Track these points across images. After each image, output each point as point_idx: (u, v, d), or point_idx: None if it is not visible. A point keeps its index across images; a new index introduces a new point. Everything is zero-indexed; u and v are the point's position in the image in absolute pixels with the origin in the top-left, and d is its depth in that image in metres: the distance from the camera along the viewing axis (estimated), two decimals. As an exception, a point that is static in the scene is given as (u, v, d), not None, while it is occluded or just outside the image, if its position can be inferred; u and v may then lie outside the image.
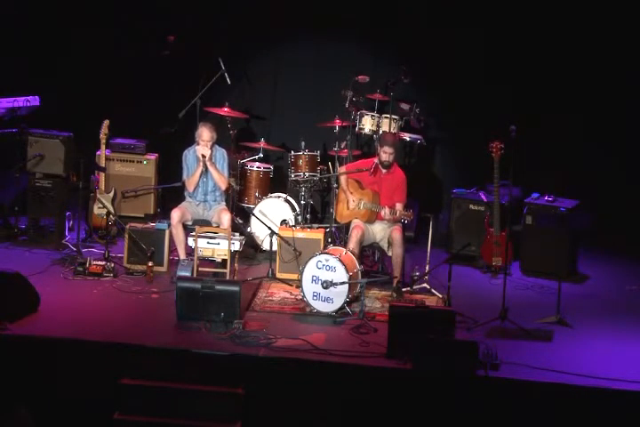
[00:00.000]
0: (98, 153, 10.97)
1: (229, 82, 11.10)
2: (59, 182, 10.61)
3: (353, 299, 9.30)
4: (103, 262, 9.89)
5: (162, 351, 8.32)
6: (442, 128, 11.68)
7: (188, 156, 10.12)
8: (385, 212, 9.67)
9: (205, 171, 10.02)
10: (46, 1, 11.80)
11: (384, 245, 9.90)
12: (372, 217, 9.85)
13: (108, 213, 10.40)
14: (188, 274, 9.67)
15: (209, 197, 10.13)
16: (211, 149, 10.00)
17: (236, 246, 9.74)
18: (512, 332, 8.95)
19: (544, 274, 10.21)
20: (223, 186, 10.11)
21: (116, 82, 11.62)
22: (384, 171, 9.91)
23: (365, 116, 11.00)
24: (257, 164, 11.12)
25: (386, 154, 9.84)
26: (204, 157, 9.95)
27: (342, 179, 10.07)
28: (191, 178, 10.05)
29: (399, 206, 9.73)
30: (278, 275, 10.05)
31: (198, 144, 10.01)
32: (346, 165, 10.32)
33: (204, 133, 9.96)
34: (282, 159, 11.64)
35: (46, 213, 10.66)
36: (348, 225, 10.04)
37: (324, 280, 9.18)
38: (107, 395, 8.06)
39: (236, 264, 9.86)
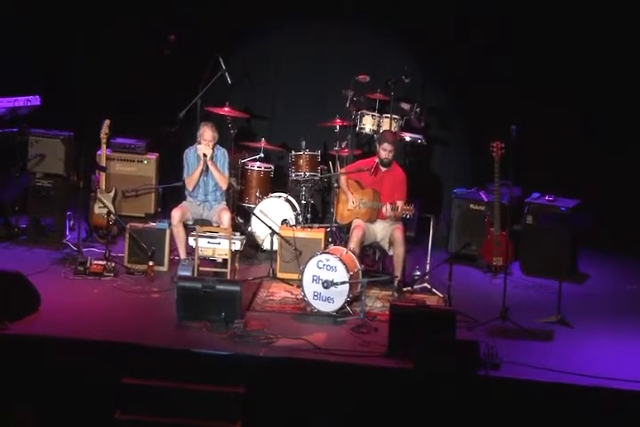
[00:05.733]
0: (98, 153, 10.97)
1: (230, 81, 11.10)
2: (59, 182, 10.61)
3: (353, 299, 9.30)
4: (104, 262, 9.89)
5: (162, 351, 8.32)
6: (442, 128, 11.69)
7: (189, 154, 10.14)
8: (386, 208, 9.66)
9: (206, 170, 10.04)
10: (47, 1, 11.80)
11: (385, 244, 9.90)
12: (373, 216, 9.85)
13: (109, 212, 10.40)
14: (188, 274, 9.68)
15: (210, 197, 10.15)
16: (212, 148, 10.02)
17: (237, 246, 9.75)
18: (513, 331, 8.95)
19: (544, 274, 10.21)
20: (224, 185, 10.13)
21: (116, 81, 11.61)
22: (383, 169, 9.91)
23: (366, 116, 11.00)
24: (257, 163, 11.12)
25: (385, 151, 9.84)
26: (205, 156, 9.97)
27: (342, 179, 10.08)
28: (191, 177, 10.07)
29: (400, 203, 9.72)
30: (279, 274, 10.05)
31: (200, 143, 10.03)
32: (345, 167, 10.34)
33: (207, 133, 9.99)
34: (282, 159, 11.64)
35: (47, 212, 10.66)
36: (348, 225, 10.04)
37: (325, 280, 9.18)
38: (108, 394, 8.05)
39: (236, 264, 9.86)
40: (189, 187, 10.12)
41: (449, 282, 9.37)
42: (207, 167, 10.02)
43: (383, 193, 9.81)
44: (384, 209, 9.67)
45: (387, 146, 9.84)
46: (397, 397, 8.04)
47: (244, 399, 8.02)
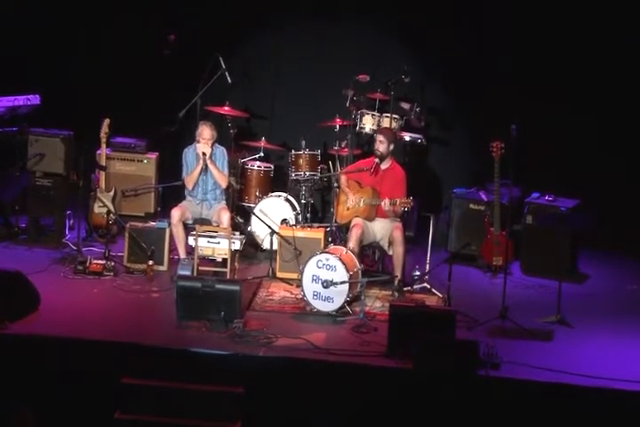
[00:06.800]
0: (98, 152, 10.97)
1: (230, 81, 11.09)
2: (59, 181, 10.61)
3: (353, 298, 9.30)
4: (103, 261, 9.89)
5: (162, 350, 8.32)
6: (442, 127, 11.68)
7: (188, 153, 10.15)
8: (385, 202, 9.65)
9: (205, 169, 10.05)
10: (47, 1, 11.79)
11: (384, 244, 9.89)
12: (372, 213, 9.84)
13: (109, 211, 10.40)
14: (188, 273, 9.68)
15: (209, 196, 10.15)
16: (211, 147, 10.03)
17: (237, 245, 9.75)
18: (512, 331, 8.95)
19: (544, 273, 10.20)
20: (223, 184, 10.14)
21: (116, 81, 11.62)
22: (383, 168, 9.91)
23: (366, 116, 11.00)
24: (257, 163, 11.12)
25: (376, 142, 9.88)
26: (204, 154, 9.98)
27: (342, 180, 10.09)
28: (190, 175, 10.08)
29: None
30: (278, 274, 10.05)
31: (198, 142, 10.04)
32: (346, 167, 10.36)
33: (205, 132, 10.00)
34: (282, 158, 11.64)
35: (46, 211, 10.66)
36: (348, 224, 10.03)
37: (325, 279, 9.18)
38: (107, 394, 8.04)
39: (236, 263, 9.87)
40: (189, 186, 10.12)
41: (448, 282, 9.37)
42: (206, 166, 10.03)
43: (383, 192, 9.80)
44: (383, 203, 9.66)
45: (379, 136, 9.90)
46: (397, 397, 8.03)
47: (243, 399, 8.00)
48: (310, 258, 9.30)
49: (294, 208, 10.78)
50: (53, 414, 8.13)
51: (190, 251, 9.90)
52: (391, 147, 9.93)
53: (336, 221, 10.28)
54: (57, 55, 11.75)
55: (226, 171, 10.17)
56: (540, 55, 11.22)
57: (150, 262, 9.86)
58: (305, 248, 9.95)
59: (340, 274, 9.18)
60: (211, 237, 9.72)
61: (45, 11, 11.75)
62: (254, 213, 10.53)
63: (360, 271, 9.36)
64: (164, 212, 11.07)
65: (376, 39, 11.60)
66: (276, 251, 10.13)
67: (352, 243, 9.66)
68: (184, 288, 8.86)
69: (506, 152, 10.01)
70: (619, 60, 11.13)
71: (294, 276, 9.82)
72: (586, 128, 11.23)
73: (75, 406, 8.17)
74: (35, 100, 11.15)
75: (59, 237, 10.61)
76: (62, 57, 11.74)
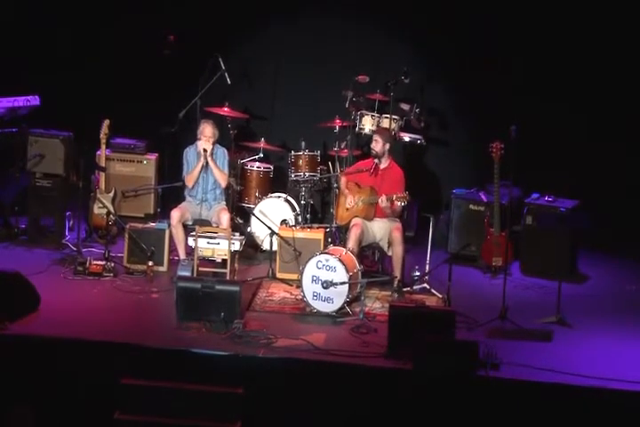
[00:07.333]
0: (98, 153, 10.97)
1: (229, 82, 11.10)
2: (59, 182, 10.61)
3: (353, 299, 9.30)
4: (103, 262, 9.89)
5: (162, 351, 8.32)
6: (442, 128, 11.68)
7: (189, 152, 10.17)
8: (382, 199, 9.65)
9: (206, 166, 10.05)
10: (46, 1, 11.79)
11: (384, 244, 9.90)
12: (371, 212, 9.84)
13: (108, 212, 10.40)
14: (188, 274, 9.68)
15: (209, 196, 10.15)
16: (212, 145, 10.04)
17: (236, 246, 9.75)
18: (512, 332, 8.96)
19: (544, 274, 10.20)
20: (223, 183, 10.14)
21: (116, 82, 11.62)
22: (382, 167, 9.92)
23: (365, 117, 11.00)
24: (257, 164, 11.12)
25: (372, 141, 9.93)
26: (205, 151, 9.99)
27: (342, 181, 10.10)
28: (191, 173, 10.08)
29: None
30: (278, 275, 10.06)
31: (200, 140, 10.05)
32: (345, 170, 10.36)
33: (207, 130, 10.02)
34: (282, 159, 11.63)
35: (46, 212, 10.66)
36: (347, 225, 10.03)
37: (324, 280, 9.18)
38: (107, 394, 8.05)
39: (236, 264, 9.87)
40: (189, 184, 10.12)
41: (448, 282, 9.37)
42: (207, 164, 10.04)
43: (382, 191, 9.78)
44: (380, 200, 9.66)
45: (375, 136, 9.96)
46: (397, 397, 8.03)
47: (243, 400, 8.01)
48: (310, 259, 9.31)
49: (294, 209, 10.78)
50: (53, 415, 8.15)
51: (190, 252, 9.90)
52: (387, 146, 9.93)
53: (336, 223, 10.29)
54: (57, 55, 11.74)
55: (226, 170, 10.18)
56: (540, 56, 11.22)
57: (150, 263, 9.86)
58: (305, 249, 9.95)
59: (340, 275, 9.18)
60: (210, 237, 9.73)
61: (45, 11, 11.74)
62: (254, 214, 10.53)
63: (360, 272, 9.36)
64: (163, 213, 11.07)
65: (376, 39, 11.59)
66: (275, 252, 10.13)
67: (351, 242, 9.66)
68: (184, 289, 8.87)
69: (505, 153, 10.01)
70: (617, 61, 11.12)
71: (294, 276, 9.82)
72: (586, 128, 11.23)
73: (75, 406, 8.17)
74: (34, 100, 11.16)
75: (58, 237, 10.61)
76: (62, 57, 11.73)
